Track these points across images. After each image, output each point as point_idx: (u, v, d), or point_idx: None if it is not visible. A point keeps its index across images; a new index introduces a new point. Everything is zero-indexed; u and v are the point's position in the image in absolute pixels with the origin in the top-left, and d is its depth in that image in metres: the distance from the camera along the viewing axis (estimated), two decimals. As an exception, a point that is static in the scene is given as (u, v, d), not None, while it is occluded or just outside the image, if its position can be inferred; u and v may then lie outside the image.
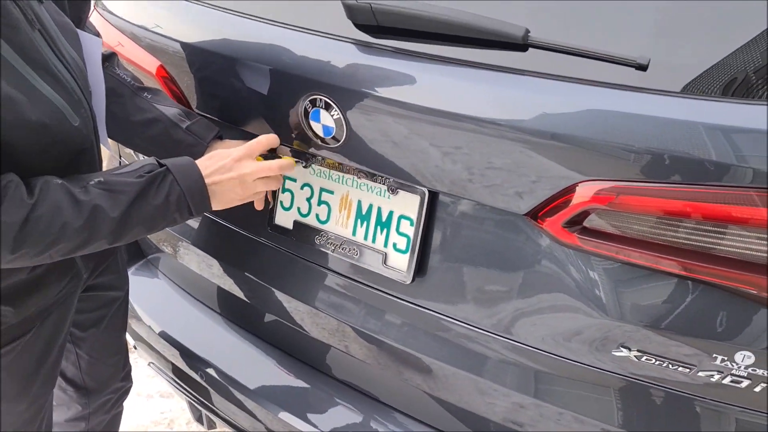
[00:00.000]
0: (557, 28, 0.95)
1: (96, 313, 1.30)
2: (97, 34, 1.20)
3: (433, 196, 1.07)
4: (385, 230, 1.14)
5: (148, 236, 1.62)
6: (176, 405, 2.23)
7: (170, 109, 1.19)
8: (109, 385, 1.40)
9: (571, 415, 1.04)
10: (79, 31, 1.06)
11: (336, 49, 1.06)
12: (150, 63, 1.30)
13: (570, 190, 0.91)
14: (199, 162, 1.04)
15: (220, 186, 1.04)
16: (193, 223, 1.45)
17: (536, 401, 1.06)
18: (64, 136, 0.93)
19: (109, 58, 1.21)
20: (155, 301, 1.58)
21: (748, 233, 0.84)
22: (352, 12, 1.01)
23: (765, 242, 0.84)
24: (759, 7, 0.86)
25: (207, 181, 1.02)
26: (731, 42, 0.87)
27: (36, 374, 1.12)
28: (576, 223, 0.92)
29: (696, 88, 0.86)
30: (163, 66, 1.29)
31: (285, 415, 1.30)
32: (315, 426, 1.27)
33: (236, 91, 1.19)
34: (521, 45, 0.93)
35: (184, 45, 1.24)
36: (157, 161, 1.01)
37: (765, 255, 0.84)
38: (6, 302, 1.01)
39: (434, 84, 0.99)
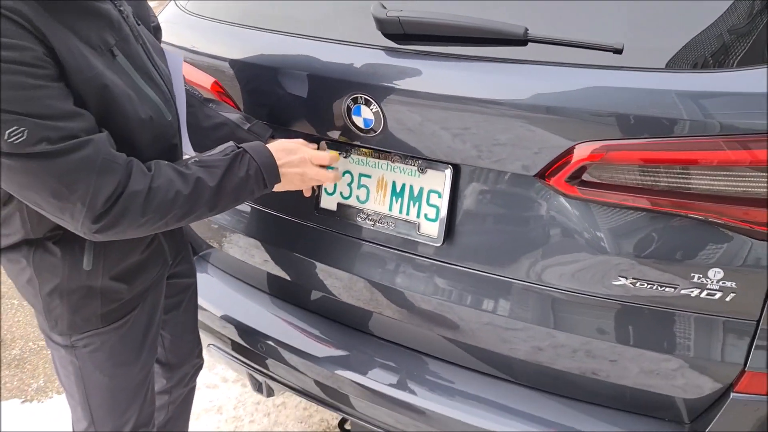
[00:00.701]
0: (548, 25, 1.19)
1: (176, 298, 1.53)
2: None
3: (457, 170, 1.31)
4: (417, 204, 1.37)
5: (200, 235, 1.84)
6: (222, 394, 2.44)
7: (233, 114, 1.44)
8: (187, 361, 1.63)
9: (583, 339, 1.27)
10: (164, 48, 1.31)
11: (370, 56, 1.30)
12: (206, 80, 1.53)
13: (569, 151, 1.15)
14: (272, 148, 1.27)
15: (286, 175, 1.28)
16: (249, 217, 1.67)
17: (554, 331, 1.29)
18: (163, 129, 1.18)
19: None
20: (213, 290, 1.80)
21: (712, 172, 1.09)
22: (381, 24, 1.25)
23: (726, 178, 1.08)
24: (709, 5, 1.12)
25: (281, 168, 1.26)
26: (688, 29, 1.13)
27: (144, 343, 1.35)
28: (576, 177, 1.16)
29: (661, 64, 1.11)
30: (217, 82, 1.52)
31: (336, 371, 1.51)
32: (363, 374, 1.48)
33: (284, 97, 1.43)
34: (522, 40, 1.17)
35: (233, 63, 1.48)
36: (235, 145, 1.24)
37: (727, 188, 1.08)
38: (122, 281, 1.25)
39: (452, 77, 1.23)
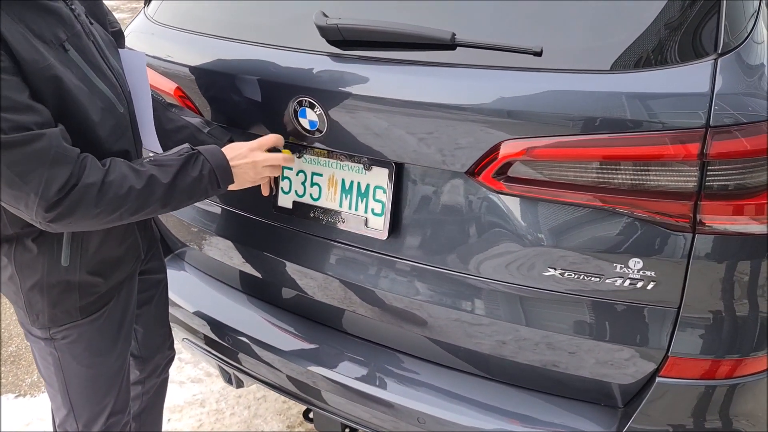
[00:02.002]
0: (476, 29, 1.26)
1: (147, 293, 1.61)
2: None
3: (399, 167, 1.38)
4: (364, 200, 1.44)
5: (174, 234, 1.93)
6: (206, 388, 2.52)
7: (194, 119, 1.52)
8: (159, 353, 1.71)
9: (516, 326, 1.34)
10: (121, 50, 1.39)
11: (314, 61, 1.37)
12: (168, 86, 1.62)
13: (495, 149, 1.21)
14: (224, 149, 1.35)
15: (238, 168, 1.35)
16: (214, 216, 1.75)
17: (490, 320, 1.36)
18: (116, 120, 1.25)
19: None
20: (186, 287, 1.88)
21: (629, 167, 1.15)
22: (323, 31, 1.32)
23: (642, 174, 1.14)
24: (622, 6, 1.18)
25: (231, 164, 1.33)
26: (603, 30, 1.19)
27: (119, 333, 1.43)
28: (502, 173, 1.23)
29: (578, 65, 1.17)
30: (179, 87, 1.60)
31: (300, 363, 1.59)
32: (318, 364, 1.56)
33: (239, 101, 1.50)
34: (450, 45, 1.24)
35: (193, 69, 1.56)
36: (190, 147, 1.31)
37: (643, 183, 1.14)
38: (99, 275, 1.34)
39: (388, 80, 1.30)
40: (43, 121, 1.09)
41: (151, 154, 1.32)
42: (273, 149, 1.44)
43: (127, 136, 1.31)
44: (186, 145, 1.33)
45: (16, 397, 2.55)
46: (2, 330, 2.95)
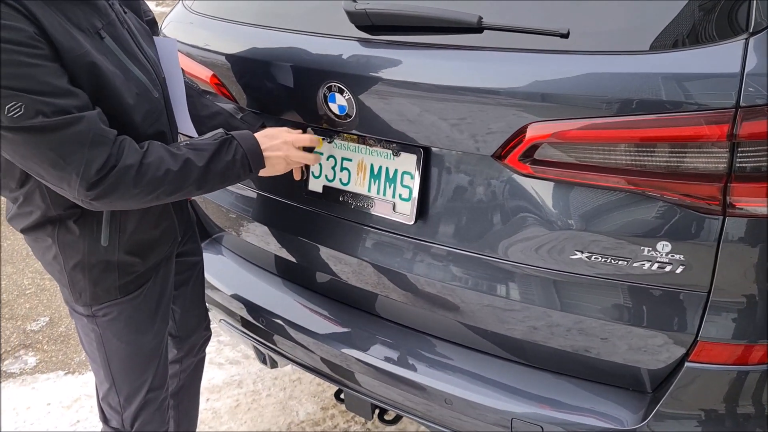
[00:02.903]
0: (503, 13, 1.26)
1: (184, 275, 1.67)
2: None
3: (427, 152, 1.39)
4: (392, 185, 1.46)
5: (211, 219, 1.98)
6: (243, 370, 2.59)
7: (227, 105, 1.57)
8: (195, 332, 1.77)
9: (548, 311, 1.34)
10: (155, 37, 1.44)
11: (343, 46, 1.39)
12: (204, 73, 1.66)
13: (521, 131, 1.21)
14: (257, 135, 1.39)
15: (270, 159, 1.40)
16: (248, 200, 1.79)
17: (518, 304, 1.36)
18: (150, 105, 1.30)
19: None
20: (223, 270, 1.93)
21: (659, 150, 1.14)
22: (352, 16, 1.34)
23: (673, 155, 1.13)
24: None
25: (265, 153, 1.38)
26: (630, 12, 1.17)
27: (157, 312, 1.49)
28: (528, 156, 1.23)
29: (605, 47, 1.16)
30: (215, 75, 1.65)
31: (332, 345, 1.62)
32: (354, 348, 1.59)
33: (270, 87, 1.54)
34: (477, 28, 1.24)
35: (228, 57, 1.60)
36: (224, 131, 1.36)
37: (674, 165, 1.13)
38: (136, 255, 1.40)
39: (417, 64, 1.31)
40: (82, 104, 1.14)
41: (186, 139, 1.36)
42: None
43: (162, 120, 1.36)
44: (220, 130, 1.37)
45: (66, 374, 2.66)
46: (53, 312, 3.08)
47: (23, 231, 1.39)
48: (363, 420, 2.29)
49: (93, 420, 2.39)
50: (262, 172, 1.41)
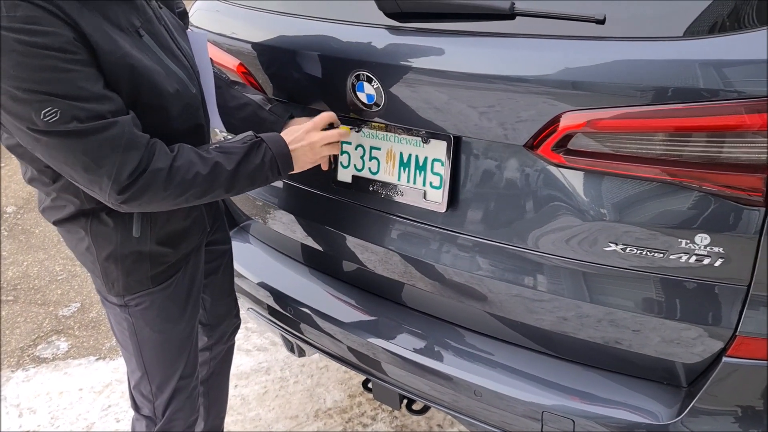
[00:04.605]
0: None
1: (214, 263, 1.68)
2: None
3: (457, 140, 1.37)
4: (422, 173, 1.44)
5: (239, 207, 1.99)
6: (271, 357, 2.61)
7: (255, 96, 1.56)
8: (225, 320, 1.78)
9: (577, 302, 1.31)
10: (189, 30, 1.44)
11: (371, 34, 1.37)
12: (231, 62, 1.65)
13: (555, 120, 1.19)
14: (283, 134, 1.38)
15: (296, 152, 1.39)
16: (276, 190, 1.79)
17: (549, 295, 1.34)
18: (189, 100, 1.30)
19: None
20: (249, 258, 1.94)
21: (695, 139, 1.10)
22: (381, 4, 1.32)
23: (710, 145, 1.10)
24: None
25: (291, 150, 1.36)
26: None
27: (188, 301, 1.50)
28: (561, 146, 1.20)
29: (642, 33, 1.12)
30: (242, 63, 1.64)
31: (360, 334, 1.62)
32: (378, 336, 1.58)
33: (298, 76, 1.52)
34: (509, 14, 1.21)
35: (256, 45, 1.58)
36: (254, 134, 1.36)
37: (712, 155, 1.10)
38: (168, 246, 1.40)
39: (447, 52, 1.28)
40: (117, 108, 1.15)
41: (217, 141, 1.36)
42: (329, 127, 1.46)
43: (199, 114, 1.36)
44: (250, 132, 1.37)
45: (97, 359, 2.71)
46: (83, 297, 3.13)
47: (56, 223, 1.40)
48: (390, 408, 2.29)
49: (124, 405, 2.43)
50: (295, 169, 1.40)
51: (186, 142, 1.29)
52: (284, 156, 1.37)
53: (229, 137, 1.37)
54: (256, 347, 2.66)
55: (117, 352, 2.74)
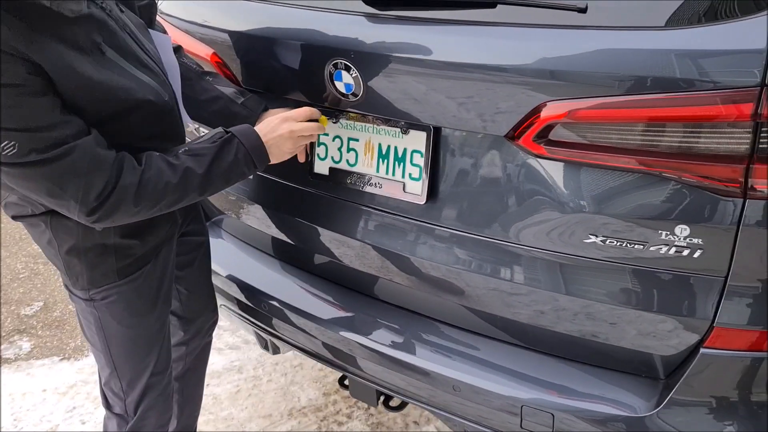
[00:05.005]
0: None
1: (189, 256, 1.63)
2: (164, 31, 1.52)
3: (437, 130, 1.35)
4: (401, 164, 1.42)
5: (212, 202, 1.94)
6: (243, 355, 2.56)
7: (228, 89, 1.51)
8: (202, 315, 1.74)
9: (555, 295, 1.31)
10: (151, 30, 1.39)
11: (350, 22, 1.35)
12: (204, 51, 1.61)
13: (536, 111, 1.18)
14: (256, 127, 1.35)
15: (272, 142, 1.35)
16: (251, 184, 1.75)
17: (528, 288, 1.33)
18: (162, 107, 1.26)
19: (177, 50, 1.53)
20: (222, 253, 1.89)
21: (675, 129, 1.10)
22: (360, -9, 1.29)
23: (690, 136, 1.10)
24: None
25: (263, 139, 1.33)
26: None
27: (158, 295, 1.46)
28: (543, 137, 1.19)
29: (623, 22, 1.12)
30: (215, 53, 1.60)
31: (335, 330, 1.59)
32: (355, 332, 1.56)
33: (275, 66, 1.49)
34: (491, 2, 1.20)
35: (230, 33, 1.55)
36: (224, 130, 1.32)
37: (691, 146, 1.10)
38: (133, 238, 1.36)
39: (428, 41, 1.27)
40: (77, 131, 1.12)
41: (186, 144, 1.32)
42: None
43: (174, 119, 1.34)
44: (219, 129, 1.33)
45: (61, 360, 2.63)
46: (47, 296, 3.04)
47: (16, 218, 1.35)
48: (366, 406, 2.26)
49: (89, 407, 2.36)
50: (271, 160, 1.37)
51: (163, 148, 1.26)
52: (258, 149, 1.33)
53: (200, 136, 1.33)
54: (228, 346, 2.61)
55: (82, 352, 2.66)
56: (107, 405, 1.52)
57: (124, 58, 1.22)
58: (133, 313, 1.42)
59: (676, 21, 1.10)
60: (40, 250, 1.41)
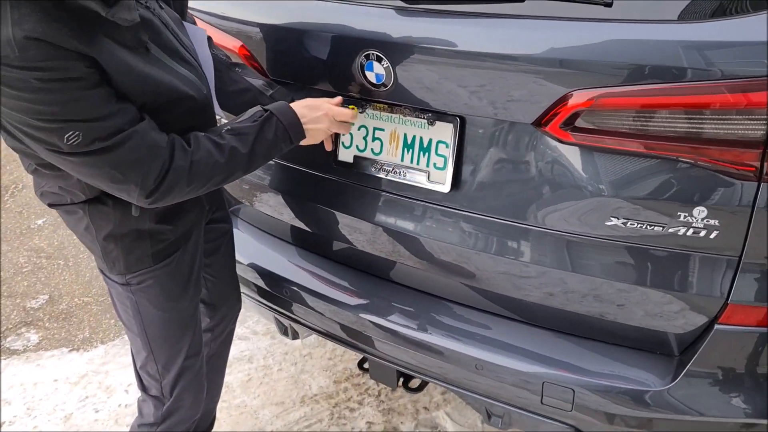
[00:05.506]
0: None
1: (215, 243, 1.68)
2: (193, 23, 1.56)
3: (463, 121, 1.41)
4: (426, 154, 1.48)
5: (229, 191, 1.98)
6: (253, 345, 2.60)
7: (256, 81, 1.57)
8: (227, 302, 1.78)
9: (580, 277, 1.38)
10: (186, 24, 1.44)
11: (382, 14, 1.41)
12: (232, 44, 1.66)
13: (563, 99, 1.24)
14: (297, 107, 1.41)
15: (311, 130, 1.42)
16: (274, 171, 1.80)
17: (556, 270, 1.39)
18: (201, 101, 1.32)
19: (208, 42, 1.58)
20: (243, 242, 1.94)
21: (696, 116, 1.17)
22: (392, -15, 1.35)
23: (710, 122, 1.17)
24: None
25: (302, 118, 1.39)
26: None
27: (189, 279, 1.50)
28: (569, 124, 1.26)
29: (646, 16, 1.19)
30: (243, 45, 1.64)
31: (361, 314, 1.64)
32: (379, 316, 1.61)
33: (304, 57, 1.54)
34: (520, -2, 1.27)
35: (260, 26, 1.60)
36: (262, 108, 1.37)
37: (710, 131, 1.17)
38: (166, 223, 1.40)
39: (456, 33, 1.33)
40: (132, 118, 1.18)
41: (227, 123, 1.38)
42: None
43: (211, 111, 1.40)
44: (258, 108, 1.39)
45: (70, 351, 2.65)
46: (51, 289, 3.05)
47: (52, 206, 1.39)
48: (377, 393, 2.32)
49: (101, 396, 2.38)
50: (303, 142, 1.43)
51: None
52: (295, 125, 1.39)
53: (239, 117, 1.38)
54: (237, 336, 2.61)
55: (91, 343, 2.69)
56: (143, 387, 1.56)
57: (167, 55, 1.28)
58: (168, 297, 1.46)
59: (696, 15, 1.17)
60: (78, 237, 1.45)
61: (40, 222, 3.62)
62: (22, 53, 1.02)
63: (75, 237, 3.41)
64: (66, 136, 1.09)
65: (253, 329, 2.68)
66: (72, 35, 1.06)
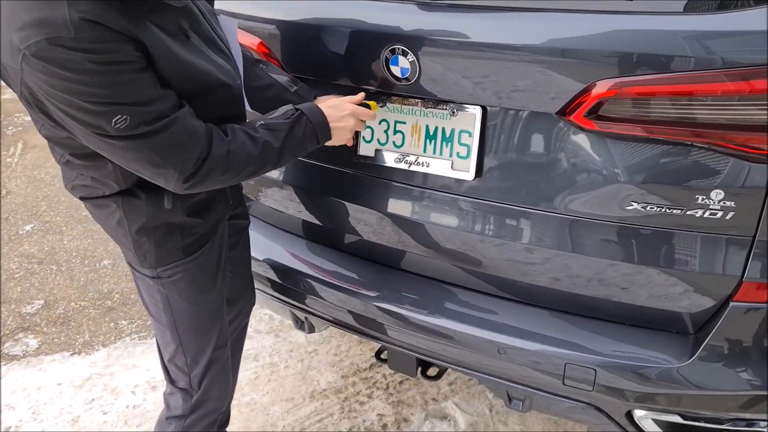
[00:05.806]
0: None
1: (234, 238, 1.70)
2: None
3: (485, 110, 1.46)
4: (449, 144, 1.53)
5: (254, 186, 2.00)
6: (257, 344, 2.61)
7: (281, 77, 1.60)
8: (244, 296, 1.80)
9: (602, 261, 1.43)
10: (219, 16, 1.47)
11: (405, 9, 1.45)
12: (250, 41, 1.69)
13: (588, 89, 1.30)
14: (324, 108, 1.44)
15: (338, 130, 1.46)
16: (294, 167, 1.82)
17: (574, 255, 1.45)
18: (235, 90, 1.35)
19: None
20: (258, 238, 1.95)
21: (715, 103, 1.24)
22: (417, -19, 1.40)
23: (727, 108, 1.24)
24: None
25: (329, 120, 1.43)
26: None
27: (217, 272, 1.52)
28: (593, 113, 1.32)
29: (666, 8, 1.26)
30: (263, 43, 1.67)
31: (383, 303, 1.67)
32: (407, 306, 1.65)
33: (325, 52, 1.58)
34: (544, -8, 1.33)
35: (280, 23, 1.63)
36: (294, 107, 1.41)
37: (727, 117, 1.24)
38: (196, 216, 1.43)
39: (480, 26, 1.38)
40: (174, 103, 1.20)
41: (261, 118, 1.41)
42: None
43: (242, 101, 1.43)
44: (290, 106, 1.43)
45: (71, 355, 2.62)
46: (46, 294, 3.02)
47: (84, 199, 1.40)
48: (385, 386, 2.35)
49: (108, 398, 2.37)
50: (331, 141, 1.47)
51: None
52: (322, 126, 1.43)
53: (271, 113, 1.42)
54: (241, 335, 2.65)
55: (92, 347, 2.67)
56: (171, 380, 1.57)
57: (205, 44, 1.31)
58: (198, 290, 1.48)
59: (715, 6, 1.24)
60: (106, 231, 1.46)
61: (28, 228, 3.57)
62: (77, 34, 1.03)
63: (66, 242, 3.39)
64: (114, 119, 1.11)
65: (256, 328, 2.69)
66: (124, 19, 1.09)
